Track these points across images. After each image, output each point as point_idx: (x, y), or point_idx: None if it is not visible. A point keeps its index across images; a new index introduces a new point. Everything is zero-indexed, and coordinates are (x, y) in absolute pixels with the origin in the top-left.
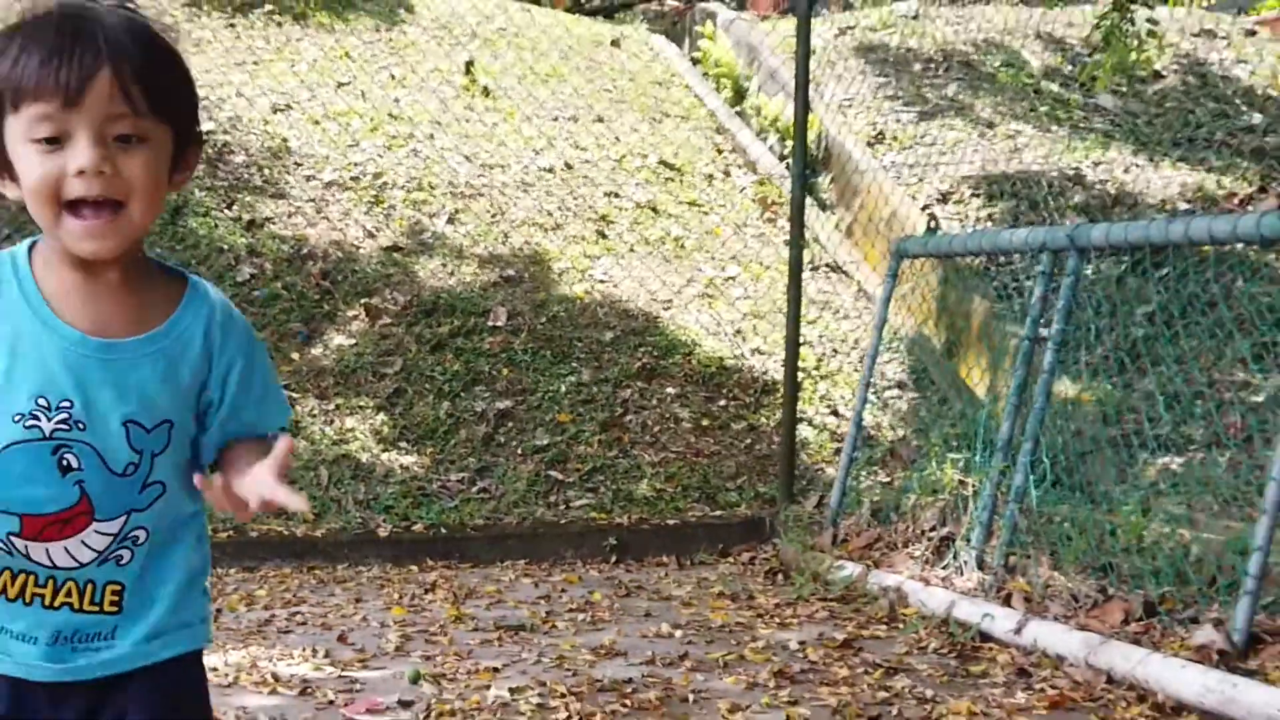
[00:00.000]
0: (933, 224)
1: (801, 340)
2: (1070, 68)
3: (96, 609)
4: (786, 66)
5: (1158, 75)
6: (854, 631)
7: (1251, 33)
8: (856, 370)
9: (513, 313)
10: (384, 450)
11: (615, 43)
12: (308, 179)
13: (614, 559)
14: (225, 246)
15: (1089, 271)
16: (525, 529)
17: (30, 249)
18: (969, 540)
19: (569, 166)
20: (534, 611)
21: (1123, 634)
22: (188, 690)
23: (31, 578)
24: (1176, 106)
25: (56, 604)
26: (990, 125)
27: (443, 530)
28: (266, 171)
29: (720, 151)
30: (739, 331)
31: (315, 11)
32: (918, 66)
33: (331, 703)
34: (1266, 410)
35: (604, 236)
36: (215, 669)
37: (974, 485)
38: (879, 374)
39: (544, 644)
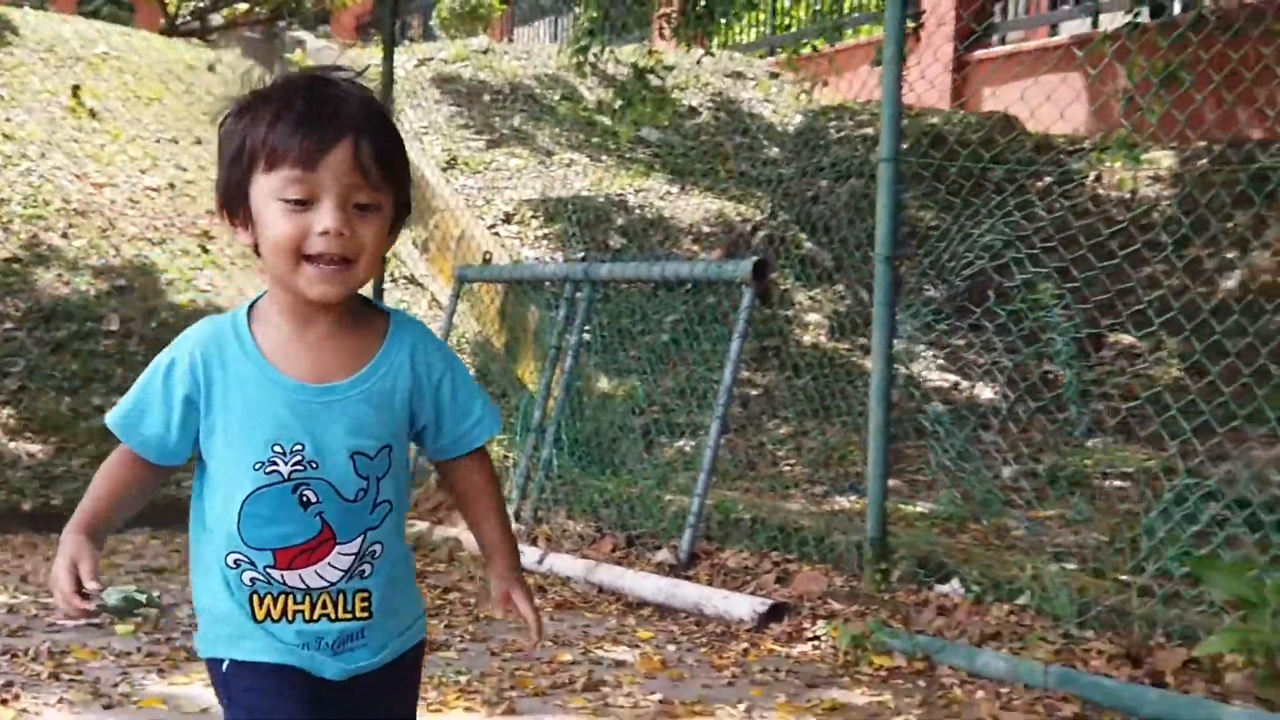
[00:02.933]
0: (488, 257)
1: None
2: (620, 103)
3: (350, 616)
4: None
5: (694, 111)
6: (421, 568)
7: (774, 74)
8: None
9: (125, 319)
10: (11, 440)
11: (211, 67)
12: None
13: None
14: None
15: (626, 286)
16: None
17: (249, 312)
18: (509, 499)
19: (172, 185)
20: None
21: (610, 559)
22: (416, 676)
23: (289, 597)
24: (709, 140)
25: (315, 616)
26: (549, 154)
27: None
28: None
29: None
30: None
31: None
32: (488, 98)
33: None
34: (762, 401)
35: (206, 250)
36: None
37: (514, 458)
38: None
39: None
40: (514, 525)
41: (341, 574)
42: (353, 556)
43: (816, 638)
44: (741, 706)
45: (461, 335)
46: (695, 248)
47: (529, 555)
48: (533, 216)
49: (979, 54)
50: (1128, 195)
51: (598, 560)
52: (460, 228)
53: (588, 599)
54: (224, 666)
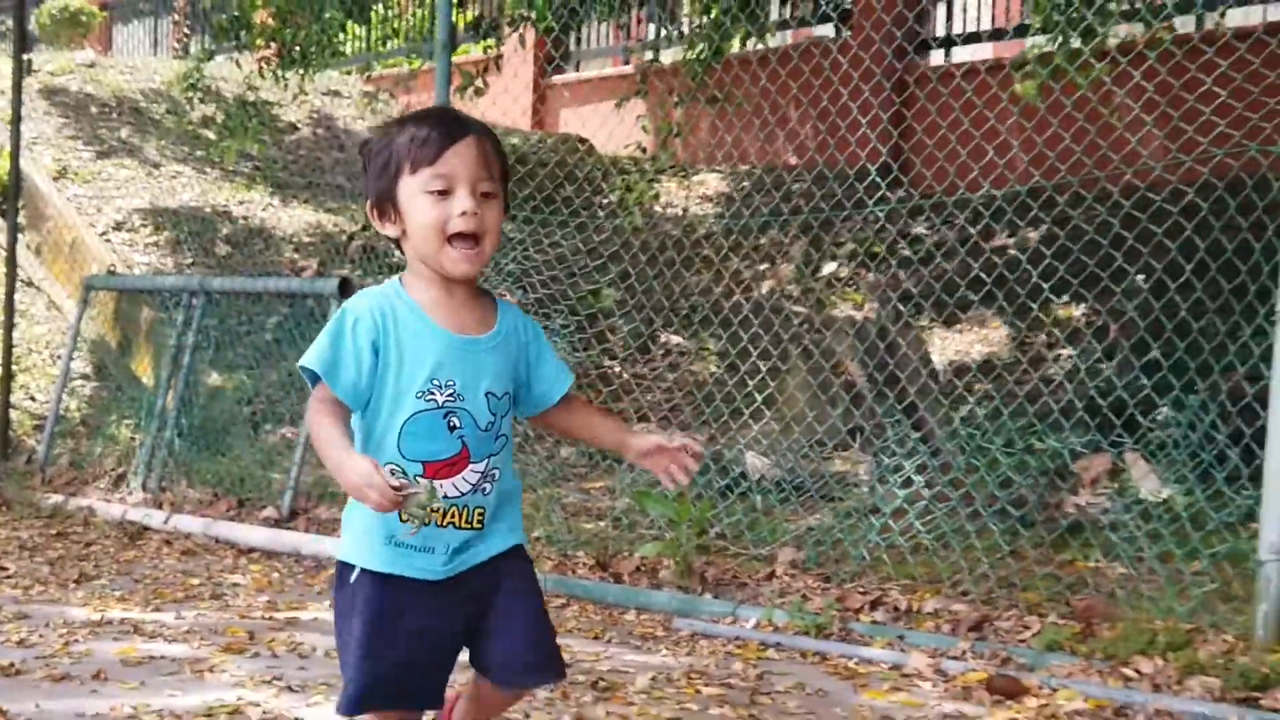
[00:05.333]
0: (113, 268)
1: None
2: (223, 122)
3: (469, 527)
4: None
5: (294, 127)
6: (63, 529)
7: (368, 93)
8: (49, 364)
9: None
10: None
11: None
12: None
13: None
14: None
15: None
16: None
17: (400, 282)
18: (136, 474)
19: None
20: None
21: (225, 517)
22: (527, 566)
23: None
24: (308, 155)
25: (444, 524)
26: (157, 165)
27: None
28: None
29: None
30: None
31: None
32: (95, 110)
33: None
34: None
35: None
36: None
37: (140, 440)
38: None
39: None
40: (141, 494)
41: (470, 487)
42: (479, 475)
43: None
44: (326, 603)
45: (82, 334)
46: (295, 255)
47: (156, 518)
48: (143, 225)
49: (557, 79)
50: (681, 213)
51: (215, 518)
52: (74, 234)
53: (208, 548)
54: (354, 573)
